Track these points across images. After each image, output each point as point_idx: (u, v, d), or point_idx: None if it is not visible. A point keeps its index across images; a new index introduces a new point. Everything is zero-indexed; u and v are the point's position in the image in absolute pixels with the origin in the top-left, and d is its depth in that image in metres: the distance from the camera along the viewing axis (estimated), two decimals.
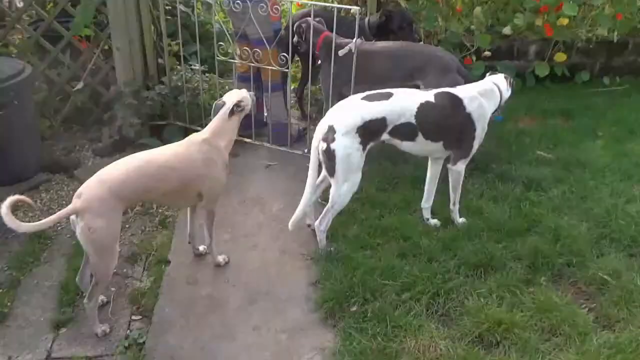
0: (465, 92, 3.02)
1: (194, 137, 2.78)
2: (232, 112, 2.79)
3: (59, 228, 3.30)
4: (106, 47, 4.24)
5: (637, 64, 5.43)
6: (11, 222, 2.24)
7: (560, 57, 5.06)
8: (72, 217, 2.39)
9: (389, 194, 3.53)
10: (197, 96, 4.10)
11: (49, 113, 4.25)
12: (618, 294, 2.65)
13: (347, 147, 2.75)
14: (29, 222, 2.54)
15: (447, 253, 2.94)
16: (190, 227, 3.02)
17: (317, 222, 2.96)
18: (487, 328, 2.44)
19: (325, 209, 2.93)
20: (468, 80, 3.46)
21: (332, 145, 2.74)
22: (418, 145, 2.99)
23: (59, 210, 2.52)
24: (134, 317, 2.70)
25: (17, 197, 2.35)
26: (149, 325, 2.63)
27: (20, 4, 4.44)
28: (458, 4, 5.27)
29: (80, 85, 4.15)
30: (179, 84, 4.07)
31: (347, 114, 2.82)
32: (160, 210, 3.50)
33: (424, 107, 2.89)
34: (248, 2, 3.64)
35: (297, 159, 3.93)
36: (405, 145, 3.00)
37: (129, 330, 2.61)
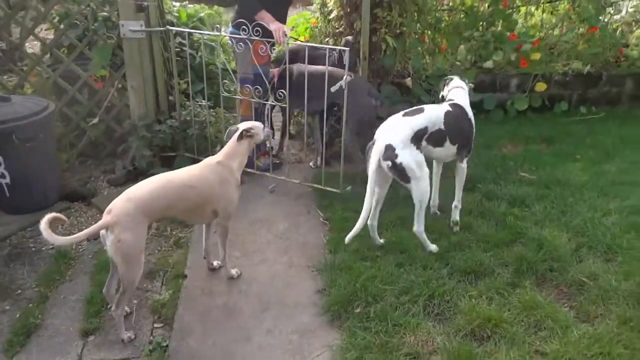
0: (462, 101, 3.57)
1: (209, 160, 3.09)
2: (241, 136, 3.11)
3: (81, 250, 3.57)
4: (120, 86, 4.59)
5: (611, 94, 5.87)
6: (49, 236, 2.49)
7: (541, 86, 5.48)
8: (102, 231, 2.66)
9: (385, 213, 3.81)
10: (204, 129, 4.43)
11: (66, 147, 4.55)
12: (596, 293, 2.93)
13: (410, 155, 3.14)
14: None
15: (440, 262, 3.23)
16: (205, 244, 3.29)
17: (416, 228, 3.28)
18: (479, 324, 2.70)
19: (415, 212, 3.26)
20: (376, 98, 4.24)
21: (397, 160, 3.11)
22: (444, 151, 3.46)
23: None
24: (156, 325, 2.93)
25: (54, 214, 2.61)
26: (170, 331, 2.85)
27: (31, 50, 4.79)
28: (443, 43, 5.71)
29: (95, 120, 4.47)
30: (188, 118, 4.40)
31: (399, 130, 3.20)
32: (174, 232, 3.77)
33: (447, 116, 3.40)
34: (249, 43, 4.02)
35: (296, 186, 4.26)
36: (437, 152, 3.44)
37: (152, 337, 2.84)
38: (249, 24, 3.89)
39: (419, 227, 3.29)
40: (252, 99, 4.16)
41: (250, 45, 4.01)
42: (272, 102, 4.18)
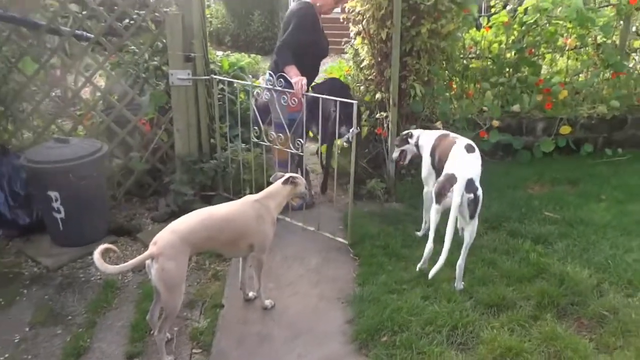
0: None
1: (248, 198, 3.36)
2: (287, 181, 3.39)
3: (127, 280, 3.84)
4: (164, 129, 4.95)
5: (637, 137, 5.96)
6: (100, 265, 2.75)
7: (565, 129, 5.64)
8: (148, 261, 2.91)
9: (412, 249, 4.00)
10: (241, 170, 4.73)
11: (113, 185, 4.90)
12: (615, 325, 3.04)
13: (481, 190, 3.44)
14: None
15: (464, 295, 3.38)
16: (241, 276, 3.52)
17: (460, 261, 3.46)
18: (500, 353, 2.84)
19: (464, 247, 3.47)
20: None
21: (477, 193, 3.39)
22: None
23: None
24: (194, 351, 3.14)
25: (106, 245, 2.89)
26: (208, 356, 3.07)
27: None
28: (470, 88, 5.96)
29: (135, 154, 4.80)
30: (225, 159, 4.71)
31: (475, 165, 3.54)
32: (212, 266, 4.01)
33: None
34: (274, 93, 4.35)
35: (328, 224, 4.49)
36: None
37: None
38: (274, 75, 4.25)
39: (462, 260, 3.47)
40: (277, 146, 4.48)
41: (274, 94, 4.35)
42: (300, 151, 4.37)
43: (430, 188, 3.94)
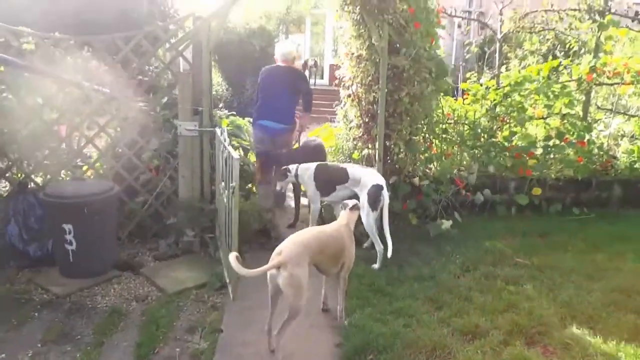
0: None
1: (339, 222, 3.88)
2: (354, 208, 3.96)
3: (131, 308, 4.12)
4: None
5: (602, 198, 6.51)
6: (237, 266, 3.16)
7: (536, 191, 6.17)
8: (272, 271, 3.29)
9: (395, 287, 4.37)
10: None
11: (118, 226, 5.23)
12: (578, 351, 3.40)
13: None
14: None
15: (442, 325, 3.74)
16: (324, 290, 4.02)
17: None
18: None
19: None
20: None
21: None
22: None
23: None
24: None
25: (235, 253, 3.25)
26: None
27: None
28: (448, 150, 6.52)
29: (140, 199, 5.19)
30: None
31: (378, 175, 5.05)
32: (211, 298, 4.31)
33: None
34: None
35: None
36: None
37: None
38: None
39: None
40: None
41: None
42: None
43: (317, 205, 5.28)
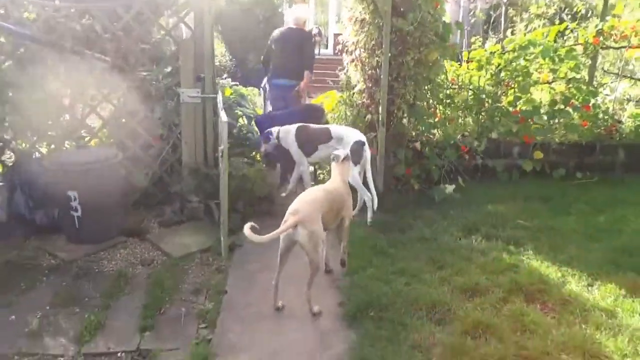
0: None
1: (335, 178, 3.97)
2: (345, 158, 4.07)
3: (137, 272, 4.19)
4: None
5: (605, 162, 6.48)
6: (250, 235, 3.28)
7: (538, 154, 6.15)
8: (290, 230, 3.39)
9: (397, 249, 4.41)
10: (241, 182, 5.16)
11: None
12: (576, 306, 3.45)
13: None
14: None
15: (443, 283, 3.79)
16: (325, 252, 4.03)
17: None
18: (472, 326, 3.24)
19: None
20: None
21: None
22: None
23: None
24: (200, 326, 3.50)
25: (251, 223, 3.35)
26: (213, 330, 3.42)
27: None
28: (452, 116, 6.50)
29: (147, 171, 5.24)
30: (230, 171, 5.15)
31: (357, 131, 5.29)
32: (215, 262, 4.38)
33: None
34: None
35: None
36: None
37: (197, 333, 3.41)
38: None
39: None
40: None
41: None
42: None
43: (304, 166, 5.48)
